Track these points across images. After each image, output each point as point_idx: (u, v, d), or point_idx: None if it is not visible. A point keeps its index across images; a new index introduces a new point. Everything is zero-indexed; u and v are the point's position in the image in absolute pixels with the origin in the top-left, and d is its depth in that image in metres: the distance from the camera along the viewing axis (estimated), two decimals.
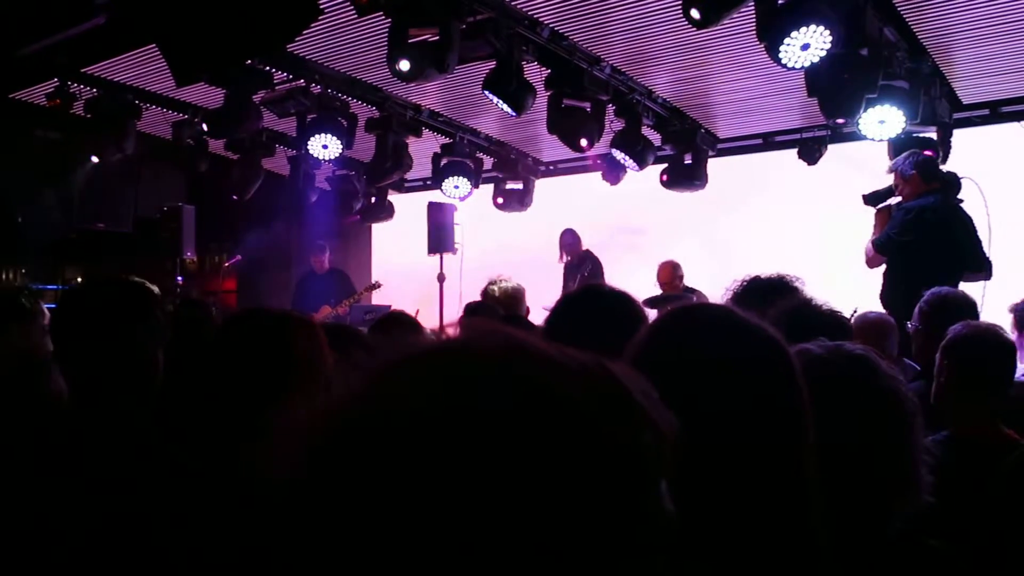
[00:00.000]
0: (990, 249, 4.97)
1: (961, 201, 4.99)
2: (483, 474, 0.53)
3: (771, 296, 2.07)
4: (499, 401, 0.56)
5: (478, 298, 4.37)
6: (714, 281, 6.47)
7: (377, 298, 8.65)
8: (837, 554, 1.06)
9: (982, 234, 4.96)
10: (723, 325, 1.11)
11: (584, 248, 7.83)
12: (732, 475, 0.98)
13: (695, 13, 4.40)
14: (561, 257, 7.90)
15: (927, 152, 5.72)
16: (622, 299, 1.76)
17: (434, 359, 0.61)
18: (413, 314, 3.85)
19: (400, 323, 2.98)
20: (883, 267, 5.04)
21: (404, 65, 5.11)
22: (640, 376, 0.63)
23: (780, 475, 1.01)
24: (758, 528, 0.98)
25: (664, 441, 0.60)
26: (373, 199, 9.02)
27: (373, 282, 8.45)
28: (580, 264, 7.62)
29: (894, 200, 5.13)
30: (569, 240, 7.85)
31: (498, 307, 4.08)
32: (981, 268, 4.84)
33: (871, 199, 5.26)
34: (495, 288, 4.49)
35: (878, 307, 4.63)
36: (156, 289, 1.84)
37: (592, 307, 1.74)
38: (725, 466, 0.98)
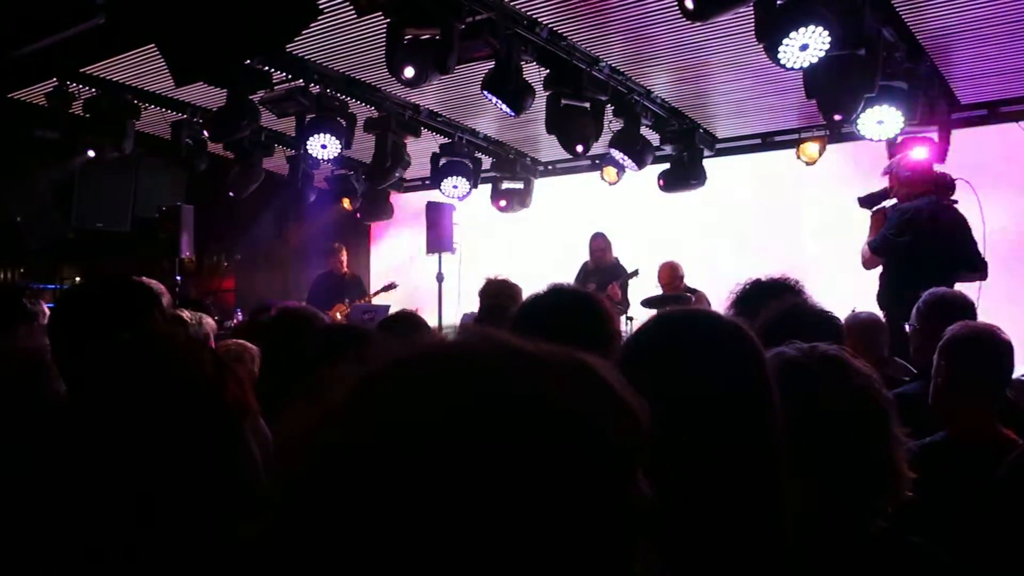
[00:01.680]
0: (985, 249, 4.97)
1: (955, 202, 5.00)
2: (471, 478, 0.54)
3: (772, 298, 2.09)
4: (481, 403, 0.57)
5: (476, 297, 4.37)
6: (714, 281, 6.50)
7: (377, 298, 8.66)
8: (817, 552, 1.08)
9: (976, 235, 4.96)
10: (698, 330, 1.14)
11: (614, 256, 7.59)
12: (705, 474, 1.01)
13: (689, 3, 4.37)
14: (592, 260, 7.61)
15: (924, 153, 5.73)
16: (586, 299, 1.80)
17: (414, 366, 0.61)
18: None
19: (407, 322, 2.97)
20: (880, 268, 5.05)
21: (409, 72, 5.13)
22: (611, 366, 0.64)
23: (750, 474, 1.03)
24: (729, 525, 1.00)
25: (641, 427, 0.62)
26: (374, 198, 9.04)
27: (388, 282, 8.42)
28: (609, 271, 7.37)
29: (889, 202, 5.14)
30: (601, 245, 7.58)
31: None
32: (976, 268, 4.85)
33: (866, 201, 5.27)
34: (492, 286, 4.48)
35: (876, 309, 4.64)
36: (158, 286, 1.83)
37: (557, 306, 1.77)
38: (699, 466, 1.00)
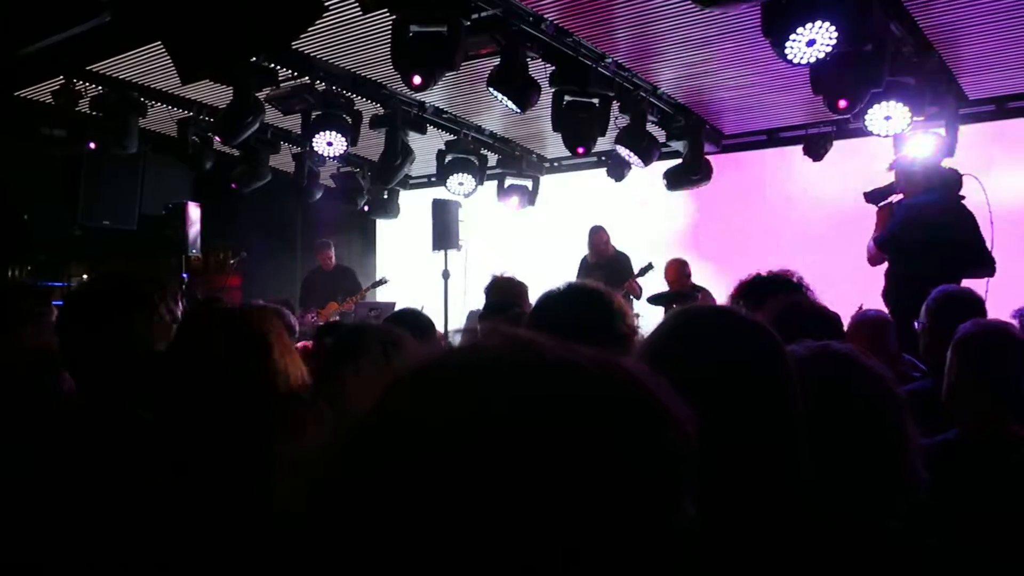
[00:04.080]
0: (993, 245, 4.94)
1: (963, 198, 4.97)
2: (510, 490, 0.51)
3: (774, 294, 2.08)
4: (522, 411, 0.54)
5: (482, 295, 4.36)
6: (721, 279, 6.49)
7: (381, 295, 8.66)
8: (833, 553, 1.07)
9: (984, 230, 4.93)
10: (720, 327, 1.12)
11: (612, 246, 7.58)
12: (729, 476, 0.98)
13: None
14: (592, 254, 7.60)
15: (931, 148, 5.71)
16: (602, 296, 1.79)
17: (449, 370, 0.58)
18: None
19: (412, 320, 2.97)
20: (886, 265, 5.03)
21: (417, 80, 5.15)
22: (656, 374, 0.61)
23: (777, 475, 1.01)
24: (754, 528, 0.98)
25: (688, 439, 0.58)
26: (385, 195, 9.06)
27: (379, 278, 8.43)
28: (612, 264, 7.36)
29: (896, 198, 5.11)
30: (604, 238, 7.55)
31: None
32: (984, 265, 4.82)
33: (872, 197, 5.24)
34: (498, 284, 4.47)
35: (882, 305, 4.62)
36: (163, 282, 1.83)
37: (574, 304, 1.76)
38: (723, 467, 0.98)
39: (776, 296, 2.08)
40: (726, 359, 1.06)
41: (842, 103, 5.14)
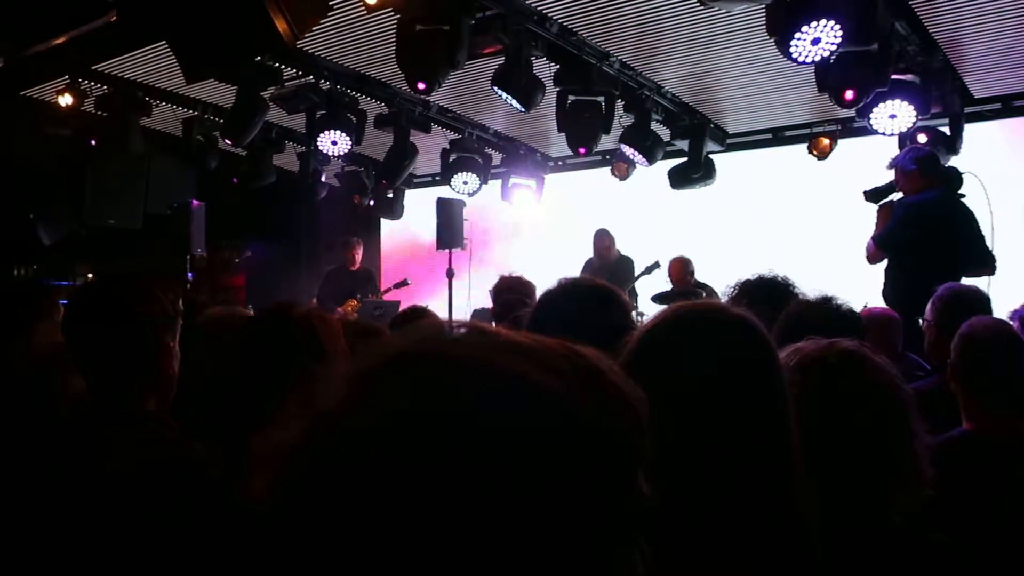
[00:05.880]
0: (994, 244, 4.93)
1: (963, 196, 4.96)
2: (466, 474, 0.53)
3: (768, 296, 2.09)
4: (476, 398, 0.56)
5: (486, 294, 4.37)
6: (724, 277, 6.47)
7: (387, 294, 8.66)
8: (837, 548, 1.07)
9: (985, 229, 4.91)
10: (708, 323, 1.13)
11: (617, 251, 7.62)
12: (716, 467, 0.99)
13: None
14: (597, 257, 7.64)
15: (925, 146, 5.69)
16: (603, 291, 1.80)
17: (408, 361, 0.60)
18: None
19: (418, 319, 2.97)
20: (886, 263, 5.01)
21: (422, 86, 5.16)
22: (607, 357, 0.63)
23: (764, 467, 1.01)
24: (741, 521, 0.99)
25: (642, 423, 0.60)
26: (390, 194, 9.06)
27: (401, 279, 8.38)
28: (615, 267, 7.37)
29: (896, 196, 5.09)
30: (606, 243, 7.59)
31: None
32: (984, 263, 4.80)
33: (872, 195, 5.21)
34: (505, 283, 4.47)
35: (882, 304, 4.61)
36: (167, 285, 1.84)
37: (573, 299, 1.77)
38: (710, 459, 0.99)
39: (768, 301, 2.09)
40: (714, 356, 1.07)
41: (849, 94, 5.12)
